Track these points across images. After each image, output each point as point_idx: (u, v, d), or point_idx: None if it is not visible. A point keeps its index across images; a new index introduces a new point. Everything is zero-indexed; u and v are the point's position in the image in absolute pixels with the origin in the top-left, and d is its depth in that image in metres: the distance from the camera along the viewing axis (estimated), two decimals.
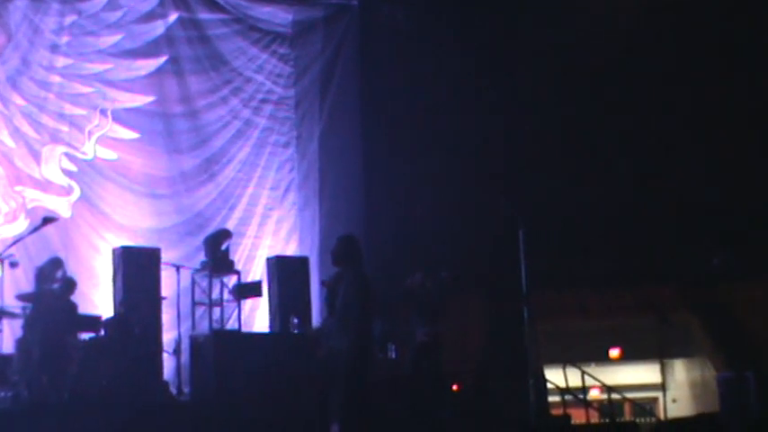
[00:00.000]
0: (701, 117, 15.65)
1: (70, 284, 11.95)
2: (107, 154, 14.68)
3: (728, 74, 15.56)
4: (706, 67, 15.62)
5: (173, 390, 12.31)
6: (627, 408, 15.81)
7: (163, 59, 15.14)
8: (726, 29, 15.57)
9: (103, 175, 14.62)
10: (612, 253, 15.20)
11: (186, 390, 12.33)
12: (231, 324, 13.39)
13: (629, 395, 14.76)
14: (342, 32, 16.07)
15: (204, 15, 15.48)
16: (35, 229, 11.98)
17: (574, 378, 12.68)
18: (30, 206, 14.04)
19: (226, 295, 13.41)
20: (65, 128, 14.46)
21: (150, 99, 15.05)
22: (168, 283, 13.02)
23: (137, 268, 12.67)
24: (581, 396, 12.62)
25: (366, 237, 13.82)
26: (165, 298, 12.82)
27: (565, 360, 12.85)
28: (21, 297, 11.77)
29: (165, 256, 13.11)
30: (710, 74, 15.62)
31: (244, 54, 15.78)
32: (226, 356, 11.92)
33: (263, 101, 15.92)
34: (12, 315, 11.72)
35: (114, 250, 13.08)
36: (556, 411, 12.85)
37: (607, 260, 15.10)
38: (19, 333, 11.69)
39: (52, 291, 11.86)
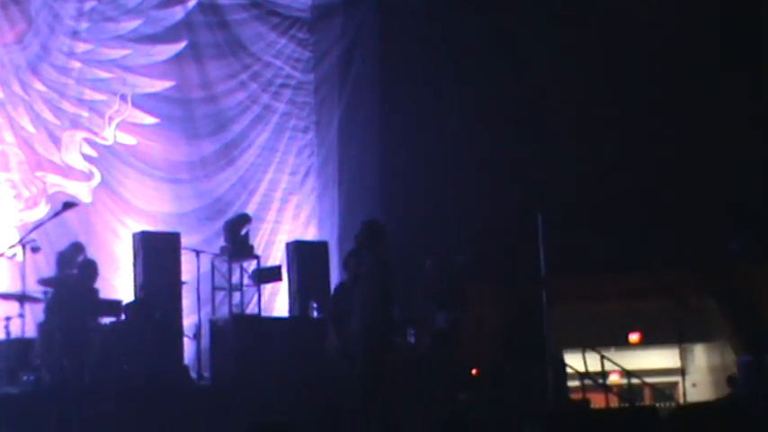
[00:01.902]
0: (718, 100, 15.57)
1: (91, 267, 11.98)
2: (127, 139, 14.74)
3: (747, 60, 15.48)
4: (726, 54, 15.54)
5: (193, 374, 12.37)
6: (646, 392, 15.78)
7: (182, 45, 15.17)
8: (743, 22, 15.49)
9: (123, 160, 14.68)
10: (631, 237, 15.16)
11: (206, 374, 12.39)
12: (251, 309, 13.43)
13: (649, 380, 14.73)
14: (361, 17, 16.04)
15: (223, 0, 15.50)
16: (56, 214, 12.03)
17: (593, 363, 12.68)
18: (51, 191, 14.12)
19: (245, 280, 13.45)
20: (85, 113, 14.52)
21: (170, 84, 15.09)
22: (188, 268, 13.07)
23: (157, 253, 12.72)
24: (600, 381, 12.62)
25: (385, 221, 13.82)
26: (185, 283, 12.86)
27: (584, 344, 12.84)
28: (42, 282, 11.86)
29: (185, 241, 13.16)
30: (730, 59, 15.54)
31: (263, 39, 15.79)
32: (246, 341, 11.99)
33: (283, 86, 15.94)
34: (34, 299, 11.80)
35: (134, 235, 13.13)
36: (575, 396, 12.86)
37: (626, 244, 15.06)
38: (41, 317, 11.78)
39: (74, 275, 11.94)
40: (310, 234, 15.59)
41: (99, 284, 12.20)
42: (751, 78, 15.38)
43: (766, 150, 15.35)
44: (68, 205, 11.64)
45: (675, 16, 15.56)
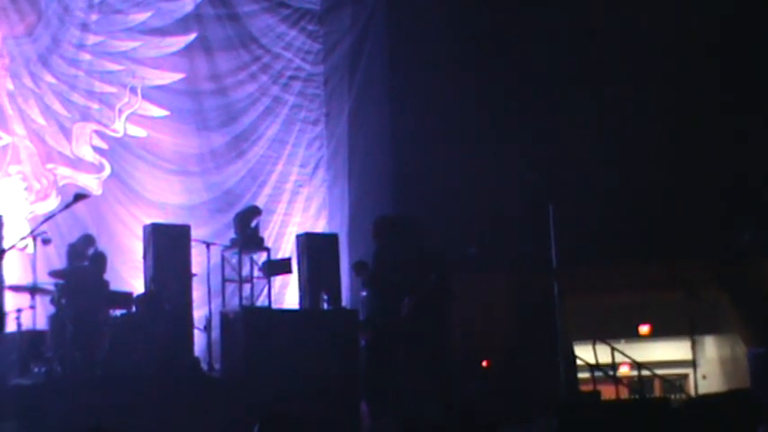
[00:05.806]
0: (732, 89, 15.50)
1: (101, 259, 12.00)
2: (137, 131, 14.75)
3: (760, 48, 15.41)
4: (739, 42, 15.46)
5: (204, 366, 12.39)
6: (657, 384, 15.74)
7: (192, 37, 15.16)
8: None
9: (133, 152, 14.70)
10: (642, 228, 15.11)
11: (217, 366, 12.41)
12: (261, 301, 13.43)
13: (659, 372, 14.69)
14: (371, 8, 16.00)
15: None
16: (66, 206, 12.00)
17: (603, 354, 12.65)
18: (61, 184, 14.14)
19: (256, 272, 13.45)
20: (95, 105, 14.53)
21: (179, 76, 15.09)
22: (198, 260, 13.07)
23: (167, 245, 12.72)
24: (611, 372, 12.59)
25: (396, 214, 13.81)
26: (195, 275, 12.87)
27: (594, 336, 12.81)
28: (53, 274, 11.88)
29: (195, 234, 13.15)
30: (743, 47, 15.46)
31: (272, 31, 15.77)
32: (256, 333, 11.99)
33: (292, 78, 15.92)
34: (45, 291, 11.82)
35: (145, 227, 13.14)
36: (585, 388, 12.84)
37: (637, 235, 15.02)
38: (52, 309, 11.80)
39: (85, 267, 11.96)
40: (320, 226, 15.59)
41: (109, 276, 12.23)
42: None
43: None
44: (79, 197, 11.59)
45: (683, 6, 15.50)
